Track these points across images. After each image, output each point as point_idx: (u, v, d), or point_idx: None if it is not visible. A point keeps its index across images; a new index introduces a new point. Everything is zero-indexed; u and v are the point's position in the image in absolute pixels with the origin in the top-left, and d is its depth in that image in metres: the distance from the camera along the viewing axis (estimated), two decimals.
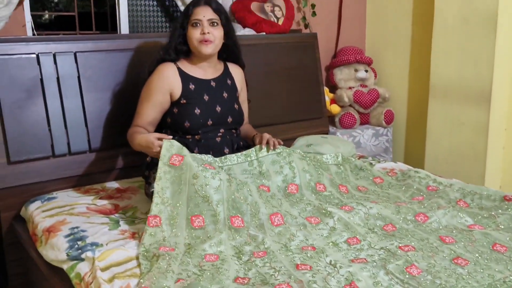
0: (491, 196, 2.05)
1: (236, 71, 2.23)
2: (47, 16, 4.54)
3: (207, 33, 2.00)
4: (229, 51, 2.17)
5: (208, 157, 1.93)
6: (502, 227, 1.81)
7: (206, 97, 2.07)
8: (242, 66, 2.28)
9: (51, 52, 2.26)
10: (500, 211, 1.92)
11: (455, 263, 1.55)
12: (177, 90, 2.05)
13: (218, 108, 2.09)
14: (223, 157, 1.99)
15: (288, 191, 2.02)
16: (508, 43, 2.78)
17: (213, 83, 2.12)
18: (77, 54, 2.31)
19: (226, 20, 2.08)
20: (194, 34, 2.01)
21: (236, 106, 2.15)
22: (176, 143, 1.81)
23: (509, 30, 2.76)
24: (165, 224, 1.68)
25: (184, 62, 2.10)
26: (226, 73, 2.19)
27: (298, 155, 2.15)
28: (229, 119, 2.11)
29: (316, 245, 1.67)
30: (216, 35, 2.04)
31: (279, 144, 2.08)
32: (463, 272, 1.50)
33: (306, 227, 1.78)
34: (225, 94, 2.13)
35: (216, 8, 2.05)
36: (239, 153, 2.03)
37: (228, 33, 2.10)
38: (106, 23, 3.38)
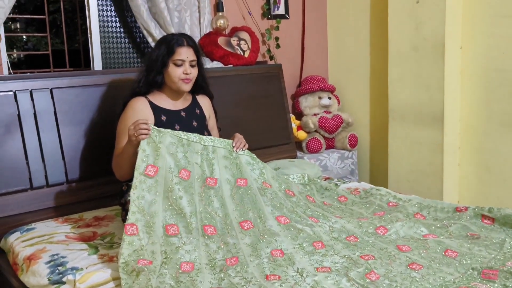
0: (445, 208, 2.22)
1: (203, 101, 2.38)
2: (15, 55, 4.63)
3: (190, 74, 2.16)
4: (198, 85, 2.31)
5: (195, 136, 2.05)
6: (454, 235, 1.97)
7: (177, 127, 2.20)
8: (210, 97, 2.43)
9: (27, 89, 2.37)
10: (452, 221, 2.09)
11: (410, 268, 1.70)
12: (150, 122, 2.17)
13: None
14: (209, 138, 2.11)
15: (262, 185, 2.13)
16: (456, 68, 3.00)
17: (183, 113, 2.25)
18: (53, 90, 2.43)
19: (200, 59, 2.24)
20: (176, 73, 2.14)
21: (205, 133, 2.28)
22: (155, 128, 1.96)
23: (456, 56, 2.99)
24: (142, 232, 1.77)
25: (156, 94, 2.23)
26: (195, 103, 2.33)
27: (270, 168, 2.29)
28: None
29: (285, 249, 1.81)
30: (195, 74, 2.20)
31: (245, 147, 2.20)
32: (417, 275, 1.64)
33: (274, 230, 1.92)
34: (194, 123, 2.26)
35: (196, 49, 2.21)
36: (222, 139, 2.15)
37: (200, 70, 2.26)
38: (79, 60, 3.49)
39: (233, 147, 2.16)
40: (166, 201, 1.86)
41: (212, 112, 2.42)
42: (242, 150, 2.18)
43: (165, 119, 2.18)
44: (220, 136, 2.49)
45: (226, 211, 1.96)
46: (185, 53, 2.15)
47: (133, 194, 1.83)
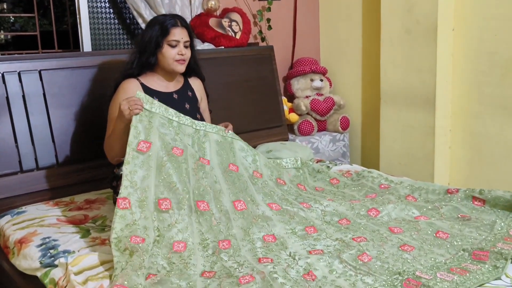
0: (436, 190, 2.23)
1: (195, 83, 2.36)
2: (2, 36, 4.56)
3: (184, 54, 2.14)
4: (190, 68, 2.29)
5: (187, 119, 2.04)
6: (445, 216, 1.99)
7: None
8: (202, 79, 2.41)
9: (16, 71, 2.34)
10: (443, 203, 2.11)
11: (402, 249, 1.71)
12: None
13: None
14: (201, 122, 2.10)
15: (253, 175, 2.14)
16: (448, 51, 3.00)
17: (175, 95, 2.23)
18: (42, 72, 2.39)
19: (192, 40, 2.22)
20: (171, 54, 2.12)
21: (198, 116, 2.27)
22: (145, 96, 1.95)
23: (448, 38, 2.98)
24: (134, 206, 1.76)
25: (148, 76, 2.20)
26: (187, 85, 2.32)
27: (263, 155, 2.29)
28: None
29: (277, 233, 1.82)
30: (189, 55, 2.18)
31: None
32: (409, 256, 1.66)
33: (267, 214, 1.93)
34: (187, 105, 2.24)
35: (189, 30, 2.19)
36: (214, 125, 2.15)
37: (192, 52, 2.24)
38: (68, 41, 3.44)
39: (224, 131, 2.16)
40: (158, 176, 1.85)
41: (204, 95, 2.41)
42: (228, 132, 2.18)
43: (157, 101, 2.17)
44: (212, 119, 2.48)
45: (220, 187, 1.96)
46: (179, 34, 2.12)
47: (126, 169, 1.82)
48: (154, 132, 1.93)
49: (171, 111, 2.02)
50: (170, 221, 1.79)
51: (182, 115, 2.05)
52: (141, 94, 1.96)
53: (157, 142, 1.92)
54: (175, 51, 2.12)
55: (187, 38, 2.15)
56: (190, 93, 2.30)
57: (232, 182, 2.00)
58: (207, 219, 1.84)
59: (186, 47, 2.16)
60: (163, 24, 2.12)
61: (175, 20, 2.14)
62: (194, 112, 2.24)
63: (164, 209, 1.80)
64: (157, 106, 1.97)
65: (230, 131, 2.18)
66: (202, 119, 2.29)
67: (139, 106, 1.91)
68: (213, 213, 1.86)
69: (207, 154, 2.05)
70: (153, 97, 2.08)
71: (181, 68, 2.17)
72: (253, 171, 2.13)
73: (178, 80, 2.29)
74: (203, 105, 2.40)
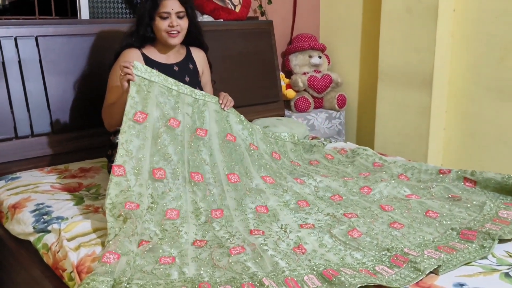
0: (429, 170, 2.25)
1: (198, 55, 2.34)
2: (1, 1, 4.49)
3: (176, 26, 2.10)
4: (192, 37, 2.26)
5: (186, 88, 2.03)
6: (436, 196, 2.01)
7: None
8: (205, 49, 2.39)
9: (12, 36, 2.31)
10: (435, 183, 2.12)
11: (391, 227, 1.74)
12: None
13: None
14: (200, 92, 2.09)
15: (250, 147, 2.14)
16: (448, 31, 2.99)
17: (176, 68, 2.22)
18: (38, 38, 2.37)
19: (191, 9, 2.19)
20: (162, 26, 2.10)
21: (197, 89, 2.26)
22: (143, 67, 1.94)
23: (448, 19, 2.96)
24: (129, 174, 1.77)
25: (149, 48, 2.19)
26: (188, 57, 2.30)
27: (258, 127, 2.29)
28: None
29: (269, 206, 1.84)
30: (183, 26, 2.14)
31: (231, 104, 2.17)
32: (398, 234, 1.68)
33: (261, 187, 1.94)
34: (187, 78, 2.23)
35: (183, 1, 2.14)
36: (213, 96, 2.13)
37: (192, 21, 2.21)
38: (65, 8, 3.39)
39: (220, 104, 2.15)
40: (154, 146, 1.86)
41: (206, 66, 2.39)
42: (228, 109, 2.16)
43: (156, 70, 2.16)
44: (215, 91, 2.46)
45: (214, 160, 1.96)
46: (170, 5, 2.09)
47: (122, 138, 1.82)
48: (152, 102, 1.92)
49: (170, 80, 2.00)
50: (164, 189, 1.81)
51: (181, 84, 2.03)
52: (138, 63, 1.95)
53: (154, 112, 1.92)
54: (167, 23, 2.10)
55: (179, 9, 2.11)
56: (191, 66, 2.29)
57: (228, 154, 2.01)
58: (201, 189, 1.85)
59: (180, 17, 2.12)
60: None
61: None
62: (193, 86, 2.23)
63: (158, 178, 1.82)
64: (155, 75, 1.96)
65: (227, 107, 2.16)
66: None
67: (129, 71, 1.88)
68: (206, 184, 1.88)
69: (206, 122, 2.04)
70: (153, 68, 2.07)
71: (174, 41, 2.14)
72: (249, 143, 2.14)
73: (179, 51, 2.27)
74: (205, 78, 2.38)
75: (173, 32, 2.11)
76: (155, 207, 1.73)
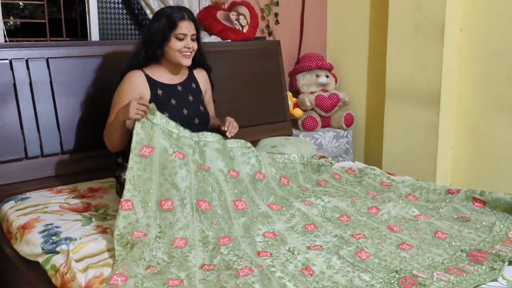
0: (437, 190, 2.24)
1: (200, 74, 2.37)
2: (11, 23, 4.57)
3: (191, 47, 2.15)
4: (195, 60, 2.29)
5: (186, 132, 2.05)
6: (445, 216, 2.00)
7: (173, 101, 2.19)
8: (208, 70, 2.41)
9: (23, 58, 2.35)
10: (443, 203, 2.11)
11: (400, 248, 1.72)
12: (146, 96, 2.16)
13: (185, 111, 2.22)
14: (200, 133, 2.10)
15: (256, 177, 2.15)
16: (455, 49, 2.99)
17: (179, 88, 2.24)
18: (49, 60, 2.40)
19: (199, 33, 2.23)
20: (177, 47, 2.13)
21: (201, 108, 2.28)
22: (153, 106, 1.96)
23: (455, 37, 2.97)
24: (137, 207, 1.79)
25: (153, 68, 2.21)
26: (191, 77, 2.32)
27: (265, 153, 2.29)
28: (196, 121, 2.24)
29: (277, 231, 1.83)
30: (195, 47, 2.19)
31: (236, 130, 2.19)
32: (407, 255, 1.67)
33: (267, 213, 1.94)
34: (190, 97, 2.25)
35: (196, 23, 2.20)
36: (214, 133, 2.14)
37: (198, 45, 2.24)
38: (76, 29, 3.45)
39: (225, 131, 2.16)
40: (161, 176, 1.87)
41: (208, 86, 2.41)
42: (232, 135, 2.17)
43: (161, 93, 2.18)
44: (216, 111, 2.49)
45: (221, 188, 1.97)
46: (186, 27, 2.13)
47: (129, 174, 1.84)
48: (157, 137, 1.95)
49: (172, 123, 2.02)
50: (172, 219, 1.81)
51: (182, 128, 2.05)
52: (154, 107, 1.97)
53: (159, 145, 1.94)
54: (182, 44, 2.13)
55: (194, 32, 2.16)
56: (194, 85, 2.31)
57: (233, 185, 2.02)
58: (208, 218, 1.86)
59: (192, 40, 2.17)
60: (171, 17, 2.12)
61: (182, 13, 2.15)
62: (197, 104, 2.26)
63: (166, 209, 1.83)
64: (158, 118, 1.98)
65: (231, 134, 2.17)
66: (205, 111, 2.30)
67: (142, 113, 1.91)
68: (214, 212, 1.88)
69: (207, 160, 2.05)
70: (157, 89, 2.09)
71: (187, 61, 2.17)
72: (256, 172, 2.14)
73: (182, 72, 2.30)
74: (207, 97, 2.41)
75: (187, 53, 2.14)
76: (162, 236, 1.74)
